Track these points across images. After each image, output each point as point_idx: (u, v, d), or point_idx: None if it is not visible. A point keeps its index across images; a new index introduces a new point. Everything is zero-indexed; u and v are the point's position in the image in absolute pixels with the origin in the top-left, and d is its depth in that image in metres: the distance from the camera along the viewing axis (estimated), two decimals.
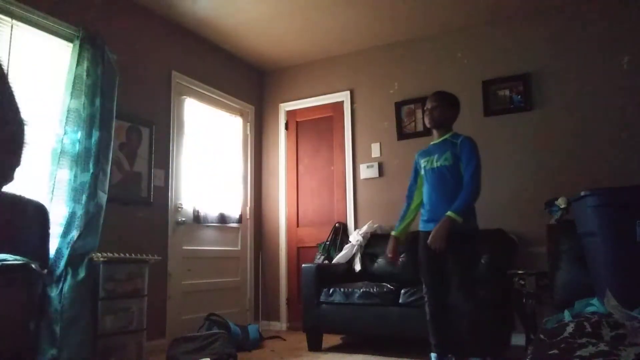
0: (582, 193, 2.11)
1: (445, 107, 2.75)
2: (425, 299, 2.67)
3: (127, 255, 3.03)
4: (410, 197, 2.88)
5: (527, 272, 3.14)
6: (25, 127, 1.82)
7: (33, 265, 2.24)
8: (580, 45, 3.75)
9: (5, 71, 1.86)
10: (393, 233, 2.84)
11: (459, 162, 2.60)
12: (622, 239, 1.94)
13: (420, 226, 2.74)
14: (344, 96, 4.70)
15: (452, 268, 2.53)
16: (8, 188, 2.56)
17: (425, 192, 2.73)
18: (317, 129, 4.83)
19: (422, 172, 2.76)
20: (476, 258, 2.78)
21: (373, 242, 4.07)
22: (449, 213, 2.48)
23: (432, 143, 2.80)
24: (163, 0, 3.74)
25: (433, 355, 2.64)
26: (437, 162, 2.66)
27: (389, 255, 2.82)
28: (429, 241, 2.51)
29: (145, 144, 3.71)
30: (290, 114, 4.99)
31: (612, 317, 1.63)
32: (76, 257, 2.85)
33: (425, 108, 2.78)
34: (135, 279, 3.01)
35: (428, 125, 2.81)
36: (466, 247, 2.54)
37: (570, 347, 1.37)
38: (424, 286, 2.70)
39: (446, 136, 2.73)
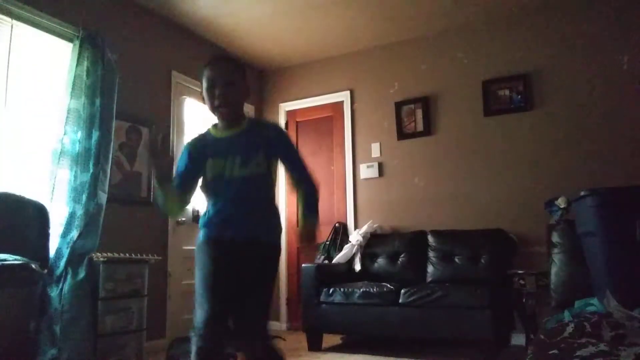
0: (582, 193, 2.11)
1: (244, 81, 1.85)
2: (200, 337, 1.60)
3: (127, 255, 3.03)
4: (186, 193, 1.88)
5: (527, 272, 3.14)
6: None
7: (33, 265, 2.24)
8: (580, 45, 3.75)
9: None
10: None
11: (271, 162, 1.82)
12: (622, 239, 1.94)
13: (208, 232, 1.80)
14: (344, 96, 4.70)
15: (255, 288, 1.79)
16: (8, 188, 2.56)
17: (220, 201, 1.81)
18: (317, 129, 4.83)
19: (209, 177, 1.81)
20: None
21: (373, 242, 4.07)
22: (305, 222, 1.87)
23: (219, 136, 1.85)
24: (163, 0, 3.74)
25: None
26: (241, 168, 1.76)
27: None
28: (302, 242, 1.92)
29: (145, 144, 3.71)
30: (290, 114, 4.98)
31: (612, 317, 1.63)
32: (76, 257, 2.86)
33: (210, 86, 1.78)
34: (135, 279, 3.01)
35: (218, 113, 1.82)
36: (274, 265, 1.88)
37: (570, 347, 1.37)
38: (204, 306, 1.65)
39: (244, 125, 1.85)
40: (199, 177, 1.85)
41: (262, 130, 1.88)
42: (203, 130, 1.93)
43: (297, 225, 1.82)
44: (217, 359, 1.63)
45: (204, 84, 1.79)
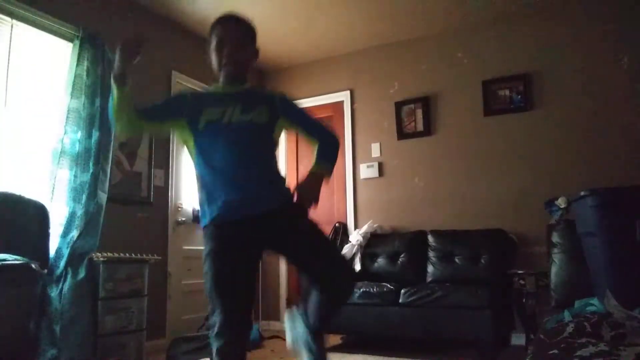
0: (582, 193, 2.10)
1: (253, 43, 1.81)
2: (218, 335, 1.58)
3: (127, 255, 3.03)
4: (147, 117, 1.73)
5: (527, 272, 3.14)
6: None
7: (33, 265, 2.24)
8: (580, 45, 3.75)
9: None
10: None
11: (273, 120, 1.73)
12: (622, 239, 1.94)
13: (217, 213, 1.63)
14: (344, 96, 4.70)
15: (306, 245, 1.68)
16: (8, 188, 2.57)
17: (217, 159, 1.66)
18: None
19: (202, 128, 1.67)
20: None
21: (373, 242, 4.06)
22: (315, 168, 1.75)
23: (220, 91, 1.80)
24: (163, 0, 3.74)
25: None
26: (242, 114, 1.67)
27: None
28: (297, 200, 1.67)
29: (145, 144, 3.71)
30: None
31: (612, 317, 1.63)
32: (76, 257, 2.86)
33: (219, 44, 1.73)
34: (135, 279, 3.01)
35: (223, 71, 1.76)
36: (305, 219, 1.73)
37: (570, 347, 1.37)
38: (217, 314, 1.60)
39: (247, 85, 1.82)
40: (166, 119, 1.73)
41: (265, 92, 1.82)
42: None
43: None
44: (240, 352, 1.61)
45: (213, 41, 1.73)
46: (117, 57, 1.58)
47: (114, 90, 1.60)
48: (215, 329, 1.57)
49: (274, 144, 1.79)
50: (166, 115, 1.74)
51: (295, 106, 1.84)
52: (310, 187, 1.69)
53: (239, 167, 1.64)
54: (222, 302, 1.57)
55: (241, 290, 1.61)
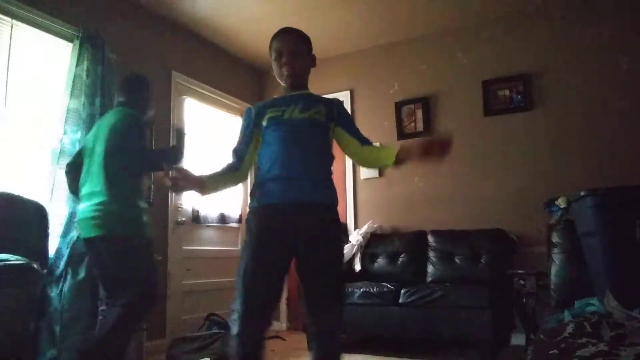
0: (582, 193, 2.11)
1: (309, 52, 1.93)
2: (238, 323, 1.64)
3: None
4: (240, 159, 1.86)
5: (527, 272, 3.14)
6: None
7: (34, 265, 2.24)
8: (580, 45, 3.75)
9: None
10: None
11: (330, 123, 1.87)
12: (622, 239, 1.94)
13: (265, 197, 1.74)
14: (344, 96, 4.69)
15: (321, 272, 1.74)
16: (8, 188, 2.56)
17: (275, 149, 1.77)
18: None
19: (265, 123, 1.82)
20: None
21: (373, 242, 4.07)
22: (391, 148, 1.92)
23: (281, 96, 1.94)
24: (163, 0, 3.74)
25: None
26: (301, 113, 1.81)
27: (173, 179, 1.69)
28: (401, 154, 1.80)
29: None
30: None
31: (612, 317, 1.63)
32: (76, 257, 2.85)
33: (277, 56, 1.87)
34: None
35: (284, 80, 1.90)
36: (338, 236, 1.83)
37: (570, 347, 1.37)
38: (240, 302, 1.65)
39: (306, 91, 1.94)
40: (250, 141, 1.86)
41: (323, 98, 1.95)
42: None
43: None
44: (256, 350, 1.67)
45: (273, 54, 1.88)
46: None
47: (213, 186, 1.80)
48: (235, 316, 1.65)
49: (330, 143, 1.91)
50: (250, 138, 1.87)
51: (349, 115, 2.02)
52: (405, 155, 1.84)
53: (295, 158, 1.75)
54: (245, 293, 1.65)
55: (267, 286, 1.68)
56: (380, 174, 4.42)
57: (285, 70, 1.85)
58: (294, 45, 1.86)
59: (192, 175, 1.71)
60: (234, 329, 1.64)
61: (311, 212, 1.72)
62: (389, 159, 1.86)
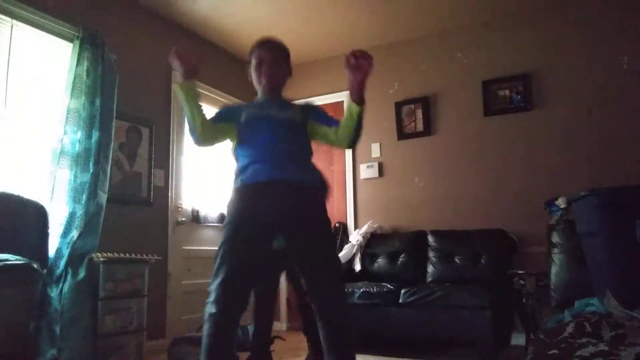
0: (582, 193, 2.11)
1: (287, 63, 1.99)
2: (213, 302, 1.68)
3: (127, 255, 3.03)
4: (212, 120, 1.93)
5: (527, 272, 3.14)
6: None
7: (34, 265, 2.24)
8: (580, 45, 3.75)
9: None
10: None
11: (306, 122, 1.93)
12: (622, 239, 1.94)
13: (254, 178, 1.77)
14: (344, 96, 4.69)
15: (316, 250, 1.77)
16: (8, 188, 2.57)
17: (257, 138, 1.84)
18: None
19: (244, 119, 1.88)
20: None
21: (373, 242, 4.07)
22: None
23: (257, 100, 1.99)
24: (163, 0, 3.74)
25: None
26: (280, 112, 1.89)
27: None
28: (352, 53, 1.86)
29: (145, 144, 3.71)
30: None
31: (612, 317, 1.63)
32: (76, 257, 2.85)
33: (258, 63, 1.92)
34: (135, 279, 3.01)
35: (261, 87, 1.95)
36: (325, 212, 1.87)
37: (570, 347, 1.37)
38: (217, 282, 1.70)
39: (281, 98, 2.01)
40: (224, 122, 1.91)
41: (296, 103, 2.01)
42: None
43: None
44: (231, 327, 1.68)
45: (253, 62, 1.94)
46: (178, 67, 1.88)
47: (187, 103, 1.82)
48: (212, 297, 1.68)
49: (309, 140, 1.95)
50: (224, 120, 1.93)
51: (320, 107, 2.06)
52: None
53: (278, 145, 1.81)
54: (222, 272, 1.68)
55: (246, 265, 1.70)
56: (380, 174, 4.42)
57: (264, 79, 1.91)
58: (274, 55, 1.93)
59: (192, 63, 1.87)
60: (211, 309, 1.64)
61: (299, 191, 1.78)
62: (354, 112, 1.95)
